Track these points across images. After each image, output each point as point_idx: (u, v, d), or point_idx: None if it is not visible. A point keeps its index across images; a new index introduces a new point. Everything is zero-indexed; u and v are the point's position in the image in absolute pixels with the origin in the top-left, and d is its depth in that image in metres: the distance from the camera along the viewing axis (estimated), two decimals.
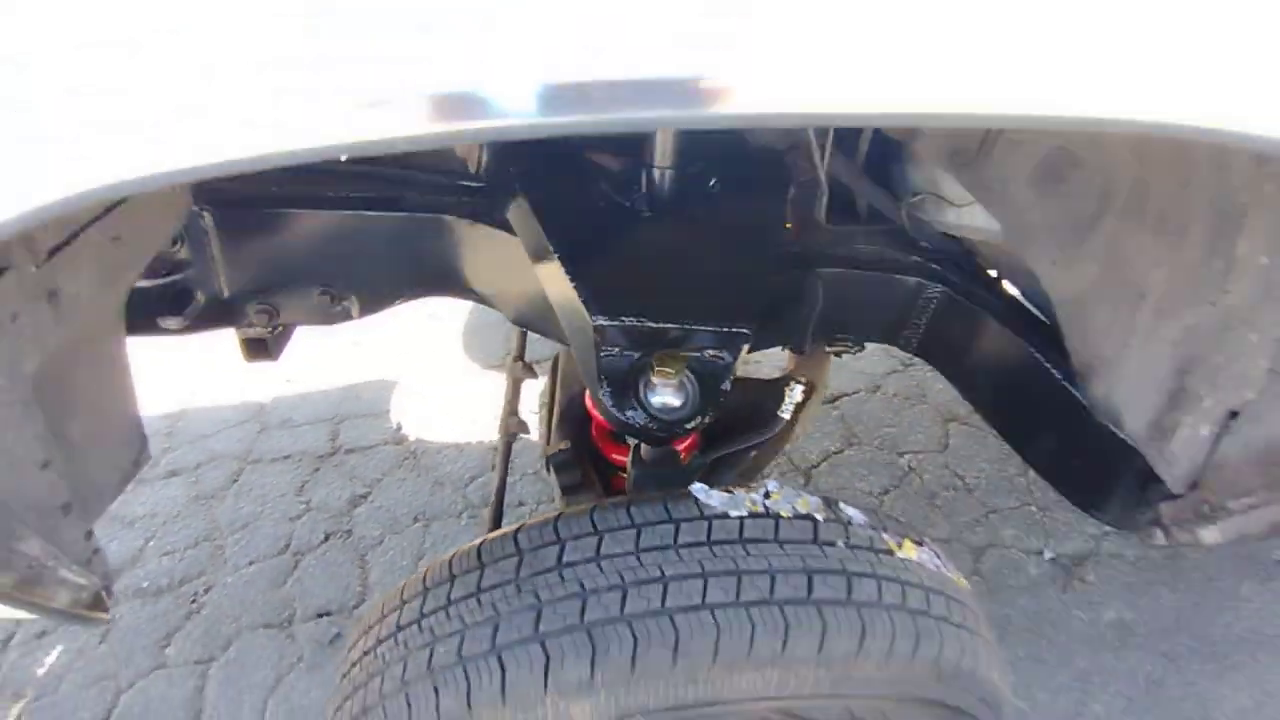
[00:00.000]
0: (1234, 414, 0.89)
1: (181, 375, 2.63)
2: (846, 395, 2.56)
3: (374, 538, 2.16)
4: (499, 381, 1.87)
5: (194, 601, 2.00)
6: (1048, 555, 2.03)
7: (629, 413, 1.02)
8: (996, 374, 1.29)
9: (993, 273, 1.34)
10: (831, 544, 0.91)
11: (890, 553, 0.93)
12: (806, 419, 1.46)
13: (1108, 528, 1.92)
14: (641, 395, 1.02)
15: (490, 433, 2.35)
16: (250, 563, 2.10)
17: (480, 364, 2.79)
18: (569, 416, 1.45)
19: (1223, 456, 0.92)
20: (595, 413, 1.33)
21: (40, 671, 1.86)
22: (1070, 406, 1.10)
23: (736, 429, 1.39)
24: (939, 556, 0.99)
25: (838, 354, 1.47)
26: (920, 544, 0.97)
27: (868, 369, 2.63)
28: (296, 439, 2.51)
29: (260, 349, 1.45)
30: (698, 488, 0.95)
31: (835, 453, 2.36)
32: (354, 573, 2.07)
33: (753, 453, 1.43)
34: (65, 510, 0.80)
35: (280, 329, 1.40)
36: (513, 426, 1.60)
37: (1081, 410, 1.07)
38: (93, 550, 0.86)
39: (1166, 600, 1.92)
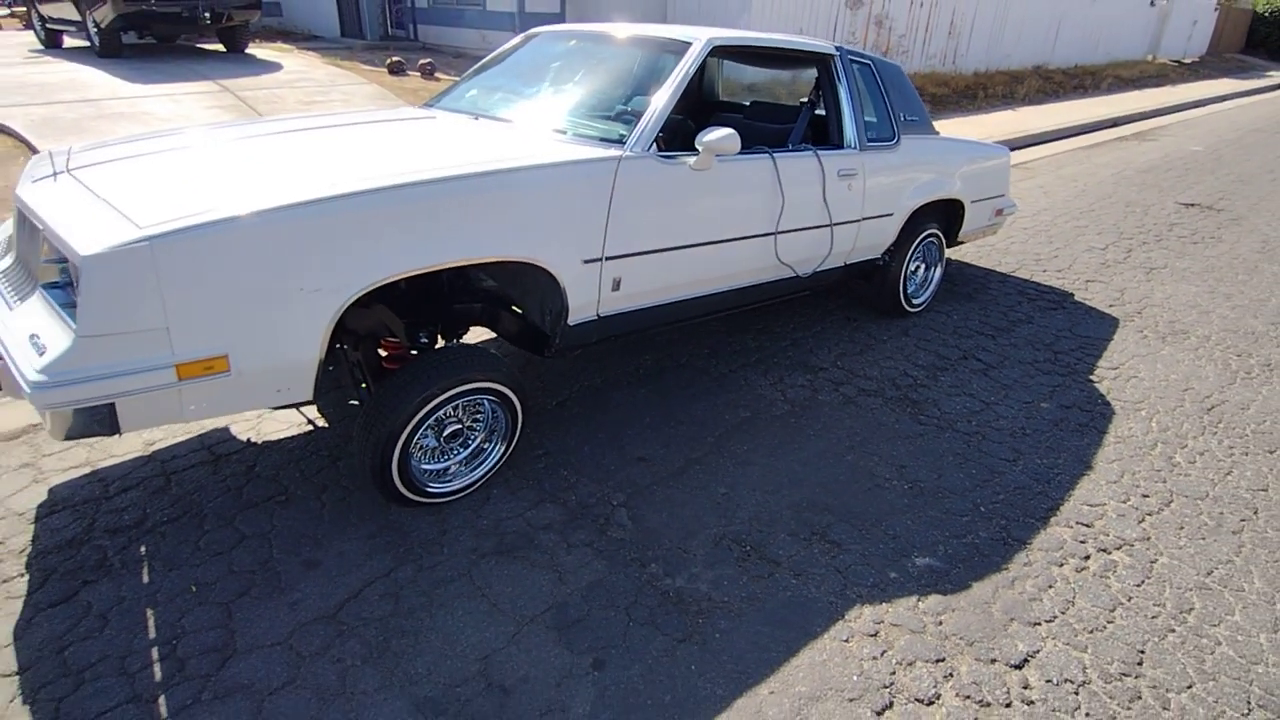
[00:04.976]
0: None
1: None
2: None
3: None
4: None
5: None
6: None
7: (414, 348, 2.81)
8: (510, 333, 3.38)
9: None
10: (465, 353, 2.60)
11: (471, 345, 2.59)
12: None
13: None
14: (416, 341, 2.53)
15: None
16: None
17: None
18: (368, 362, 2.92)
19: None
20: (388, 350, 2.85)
21: None
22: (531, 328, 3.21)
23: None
24: (478, 345, 2.51)
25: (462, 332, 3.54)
26: (464, 342, 2.74)
27: None
28: None
29: None
30: (440, 346, 2.45)
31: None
32: None
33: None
34: None
35: None
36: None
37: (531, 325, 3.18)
38: None
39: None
